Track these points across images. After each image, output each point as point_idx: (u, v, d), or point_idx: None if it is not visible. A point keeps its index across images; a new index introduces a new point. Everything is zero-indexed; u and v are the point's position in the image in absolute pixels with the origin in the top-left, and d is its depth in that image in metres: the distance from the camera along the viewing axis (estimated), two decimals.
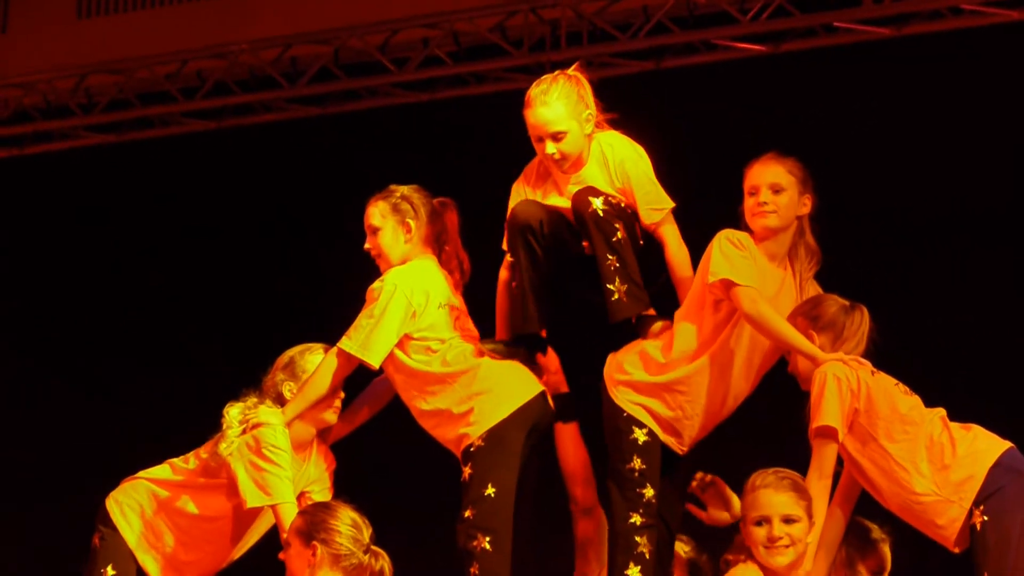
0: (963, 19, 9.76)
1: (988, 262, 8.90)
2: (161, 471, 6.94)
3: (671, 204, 6.93)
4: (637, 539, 6.45)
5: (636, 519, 6.45)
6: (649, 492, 6.46)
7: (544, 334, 6.95)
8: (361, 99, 10.15)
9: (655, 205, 6.92)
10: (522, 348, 6.90)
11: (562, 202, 7.06)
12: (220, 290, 9.29)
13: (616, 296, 6.76)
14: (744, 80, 9.50)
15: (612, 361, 6.68)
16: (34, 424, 9.95)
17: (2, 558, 9.55)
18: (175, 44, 10.51)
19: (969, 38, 9.67)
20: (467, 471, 6.56)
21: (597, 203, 6.80)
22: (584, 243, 6.85)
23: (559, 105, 6.96)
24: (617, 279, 6.77)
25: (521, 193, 7.17)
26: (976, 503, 5.88)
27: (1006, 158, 9.38)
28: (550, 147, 6.96)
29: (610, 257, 6.80)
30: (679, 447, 6.57)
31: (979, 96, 9.46)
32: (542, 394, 6.76)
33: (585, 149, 7.05)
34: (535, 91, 7.01)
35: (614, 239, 6.82)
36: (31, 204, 10.90)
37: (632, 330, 6.76)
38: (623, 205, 6.91)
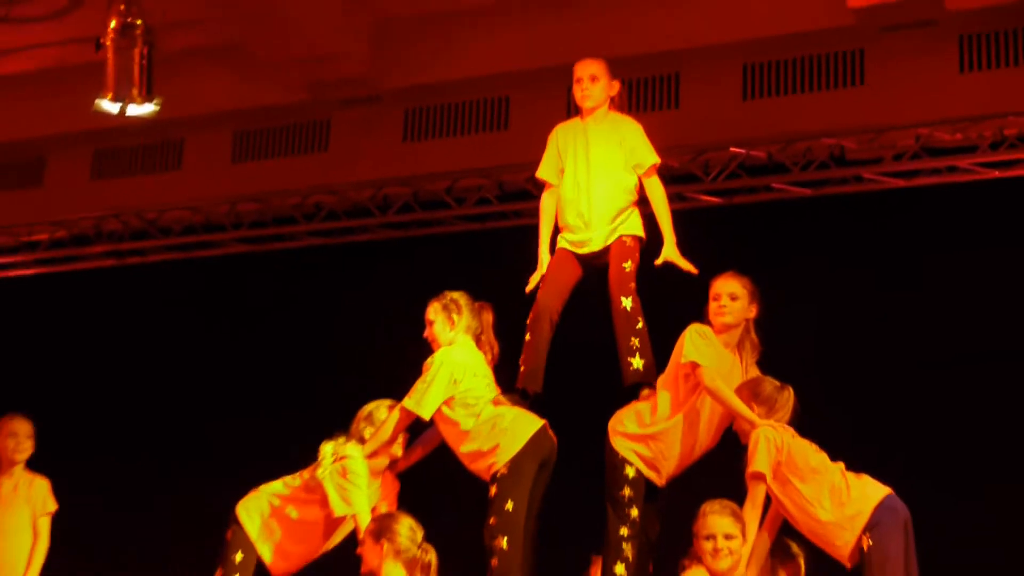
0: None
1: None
2: (276, 486, 7.17)
3: (657, 160, 7.19)
4: (624, 547, 6.68)
5: (624, 531, 6.69)
6: (635, 513, 6.69)
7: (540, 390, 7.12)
8: (433, 227, 9.91)
9: (644, 161, 7.18)
10: (527, 399, 7.05)
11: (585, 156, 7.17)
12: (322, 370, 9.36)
13: (634, 368, 6.94)
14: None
15: (615, 417, 6.85)
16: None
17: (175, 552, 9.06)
18: (305, 182, 10.24)
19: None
20: (493, 490, 6.72)
21: (627, 302, 7.01)
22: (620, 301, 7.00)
23: (599, 66, 7.24)
24: (638, 355, 6.95)
25: (553, 141, 7.37)
26: (864, 531, 6.06)
27: None
28: (585, 85, 7.25)
29: (634, 340, 7.00)
30: (658, 481, 6.77)
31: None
32: (544, 427, 6.85)
33: (604, 105, 7.28)
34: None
35: (638, 327, 7.02)
36: (194, 299, 10.46)
37: (628, 393, 6.93)
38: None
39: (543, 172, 7.34)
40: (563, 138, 7.37)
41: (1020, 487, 8.03)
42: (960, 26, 8.98)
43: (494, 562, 6.64)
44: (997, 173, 8.69)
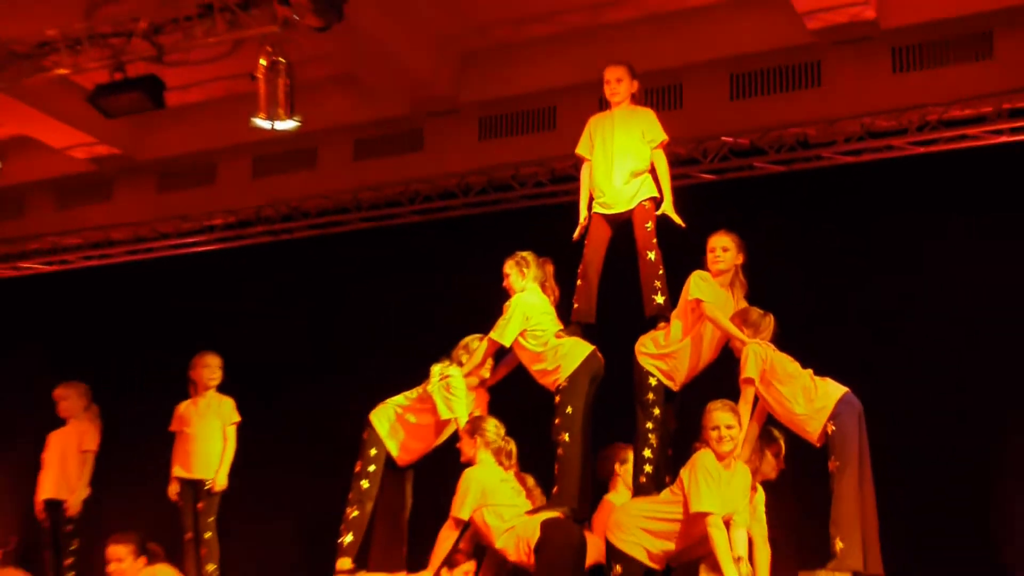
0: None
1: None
2: (399, 399, 7.25)
3: (665, 137, 7.18)
4: (650, 437, 6.70)
5: (650, 425, 6.70)
6: (657, 411, 6.71)
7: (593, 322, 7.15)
8: (503, 204, 9.87)
9: (656, 137, 7.14)
10: (581, 330, 7.08)
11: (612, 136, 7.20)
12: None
13: (656, 303, 6.97)
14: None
15: (640, 340, 6.88)
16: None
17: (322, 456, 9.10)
18: (407, 175, 10.26)
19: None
20: (557, 399, 6.81)
21: (651, 254, 7.01)
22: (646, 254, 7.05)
23: (623, 70, 7.24)
24: (659, 294, 6.98)
25: (588, 127, 7.36)
26: (829, 419, 6.10)
27: None
28: (612, 85, 7.27)
29: (656, 283, 7.00)
30: (674, 387, 6.80)
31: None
32: (594, 351, 6.89)
33: (627, 100, 7.27)
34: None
35: (659, 272, 7.00)
36: (333, 263, 10.46)
37: (651, 323, 6.98)
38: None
39: (580, 149, 7.37)
40: (595, 125, 7.37)
41: (930, 393, 8.06)
42: (891, 40, 8.89)
43: (560, 451, 6.75)
44: (922, 150, 8.61)
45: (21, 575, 7.92)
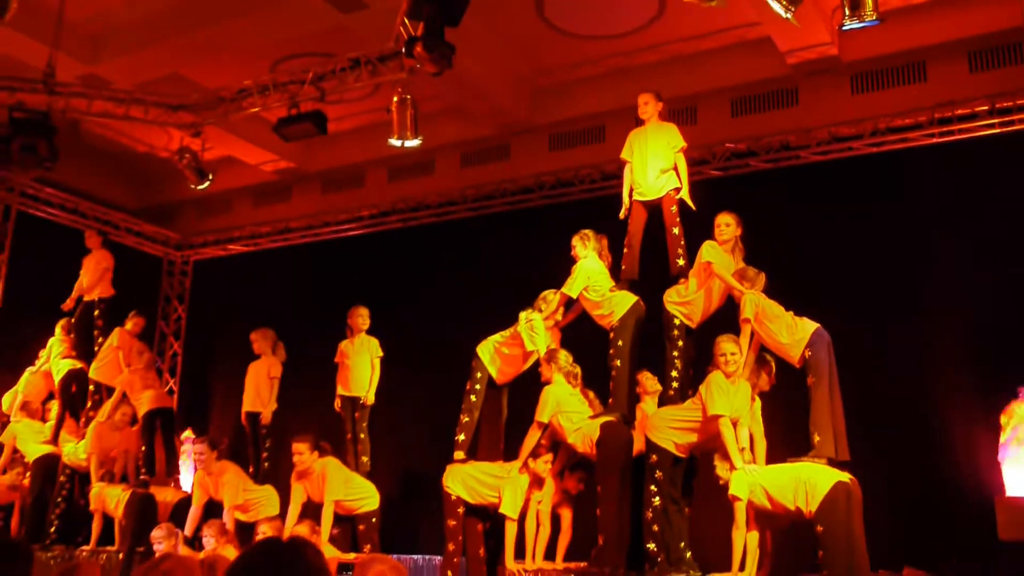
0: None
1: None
2: (496, 336, 7.25)
3: (684, 144, 7.09)
4: (676, 362, 6.69)
5: (675, 353, 6.70)
6: (680, 343, 6.71)
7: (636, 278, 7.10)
8: (567, 197, 9.79)
9: (678, 144, 7.06)
10: (628, 284, 7.04)
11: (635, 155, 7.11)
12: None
13: (679, 264, 6.92)
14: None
15: (667, 292, 6.81)
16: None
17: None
18: (499, 176, 10.26)
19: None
20: (611, 335, 6.80)
21: (676, 230, 6.96)
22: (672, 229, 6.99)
23: (650, 95, 7.23)
24: (681, 258, 6.93)
25: (629, 139, 7.26)
26: (806, 347, 6.07)
27: None
28: (643, 107, 7.25)
29: (679, 250, 6.95)
30: (692, 325, 6.77)
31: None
32: (638, 300, 6.83)
33: (655, 117, 7.22)
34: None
35: (681, 243, 6.96)
36: (439, 249, 10.42)
37: (674, 280, 6.92)
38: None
39: (624, 154, 7.30)
40: (634, 136, 7.30)
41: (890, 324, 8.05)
42: (850, 70, 8.78)
43: (613, 373, 6.75)
44: (875, 150, 8.49)
45: (233, 467, 8.07)
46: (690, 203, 7.05)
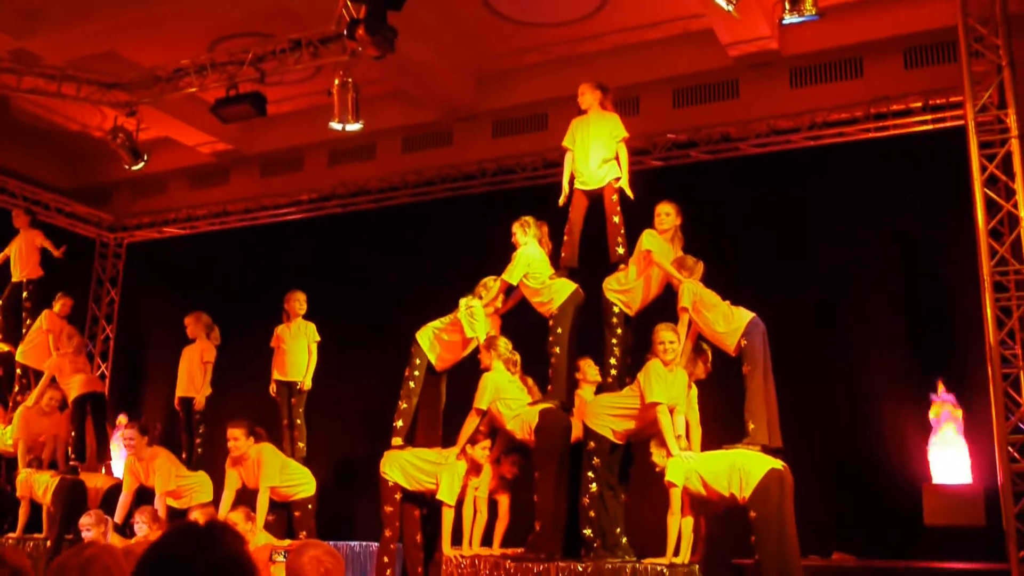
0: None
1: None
2: (435, 323, 7.17)
3: (626, 134, 7.02)
4: (615, 350, 6.70)
5: (614, 341, 6.70)
6: (619, 331, 6.72)
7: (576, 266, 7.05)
8: (508, 184, 9.78)
9: (619, 134, 7.01)
10: (568, 272, 6.98)
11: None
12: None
13: (619, 253, 6.87)
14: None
15: (606, 280, 6.80)
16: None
17: None
18: (441, 162, 10.21)
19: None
20: (551, 322, 6.75)
21: (616, 219, 6.90)
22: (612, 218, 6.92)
23: (588, 86, 7.15)
24: (620, 247, 6.88)
25: (571, 126, 7.14)
26: (742, 336, 6.10)
27: None
28: (583, 97, 7.16)
29: (619, 239, 6.90)
30: (631, 313, 6.78)
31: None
32: (577, 288, 6.80)
33: (596, 106, 7.12)
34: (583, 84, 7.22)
35: (621, 231, 6.90)
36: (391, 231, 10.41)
37: (614, 267, 6.89)
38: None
39: (565, 142, 7.22)
40: (576, 125, 7.22)
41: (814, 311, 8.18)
42: (789, 64, 8.89)
43: (552, 360, 6.75)
44: (813, 143, 8.62)
45: (165, 452, 7.94)
46: (629, 192, 7.02)
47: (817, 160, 8.62)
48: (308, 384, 8.44)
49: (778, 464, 5.70)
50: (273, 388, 8.52)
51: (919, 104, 8.18)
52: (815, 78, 8.85)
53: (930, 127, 8.16)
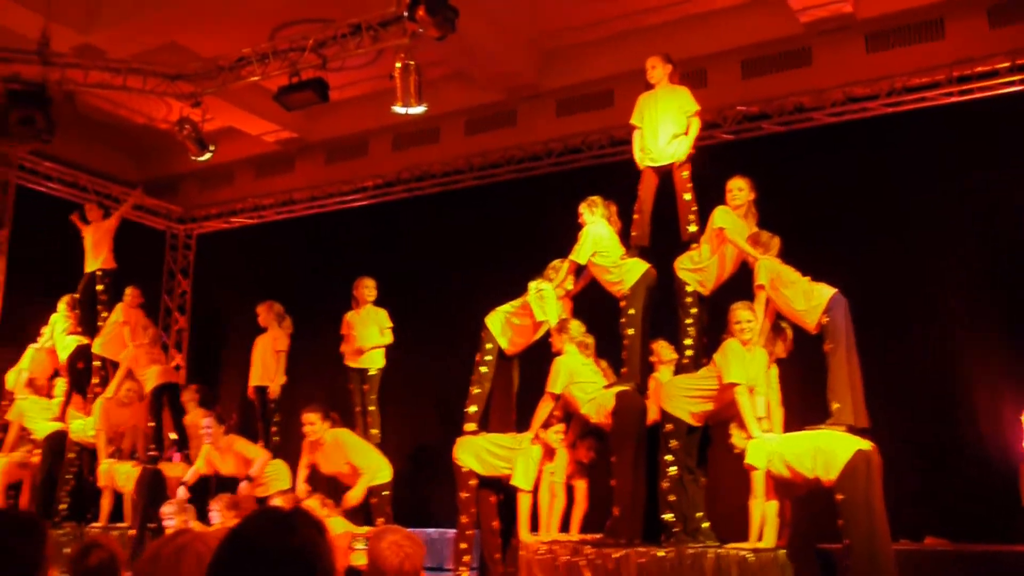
0: None
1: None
2: (506, 307, 7.20)
3: (698, 107, 6.95)
4: (689, 330, 6.61)
5: (689, 321, 6.62)
6: (694, 311, 6.64)
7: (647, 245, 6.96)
8: (575, 163, 9.67)
9: (691, 108, 6.92)
10: (639, 251, 6.92)
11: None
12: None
13: (691, 231, 6.80)
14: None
15: (678, 259, 6.71)
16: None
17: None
18: (508, 142, 10.16)
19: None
20: (623, 303, 6.74)
21: (687, 196, 6.82)
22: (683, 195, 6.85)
23: (657, 58, 7.09)
24: (693, 224, 6.81)
25: (639, 103, 7.10)
26: (823, 313, 5.97)
27: None
28: (651, 71, 7.08)
29: (690, 216, 6.82)
30: (705, 292, 6.69)
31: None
32: (649, 268, 6.76)
33: (665, 81, 7.06)
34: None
35: (693, 208, 6.84)
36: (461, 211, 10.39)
37: (686, 245, 6.81)
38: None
39: (634, 120, 7.14)
40: (644, 101, 7.13)
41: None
42: (865, 28, 8.62)
43: (626, 342, 6.70)
44: (892, 110, 8.36)
45: (241, 440, 8.05)
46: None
47: (897, 127, 8.36)
48: (380, 362, 8.48)
49: (866, 444, 5.55)
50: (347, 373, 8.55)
51: (1006, 64, 7.88)
52: (893, 42, 8.56)
53: (1018, 88, 7.87)
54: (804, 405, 6.42)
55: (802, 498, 5.97)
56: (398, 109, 8.00)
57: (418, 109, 8.03)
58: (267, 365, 8.91)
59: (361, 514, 7.53)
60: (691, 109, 6.98)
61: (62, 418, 9.35)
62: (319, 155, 11.72)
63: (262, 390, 8.92)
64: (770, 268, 6.21)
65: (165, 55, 9.16)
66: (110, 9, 8.91)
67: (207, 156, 9.11)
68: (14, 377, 9.81)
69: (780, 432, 6.03)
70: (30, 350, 9.93)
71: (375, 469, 7.38)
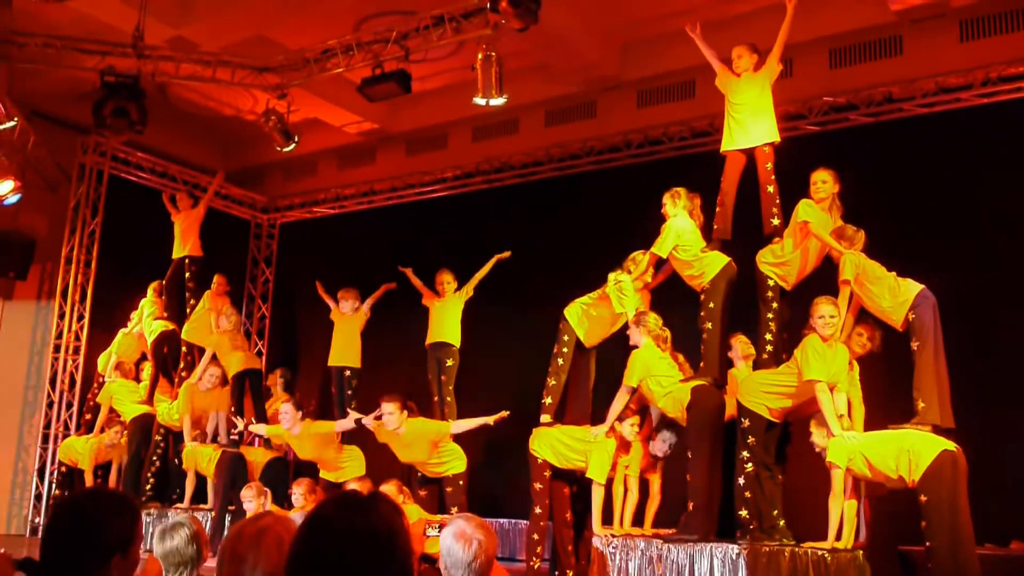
0: None
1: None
2: (584, 299, 7.19)
3: (780, 66, 6.89)
4: (770, 324, 6.53)
5: (769, 315, 6.53)
6: (775, 305, 6.54)
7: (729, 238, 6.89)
8: (656, 155, 9.63)
9: (775, 70, 6.88)
10: (720, 244, 6.84)
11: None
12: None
13: (774, 224, 6.69)
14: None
15: (760, 253, 6.61)
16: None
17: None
18: (588, 134, 10.18)
19: None
20: (702, 297, 6.67)
21: (771, 188, 6.73)
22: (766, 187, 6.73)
23: (744, 47, 7.00)
24: (776, 217, 6.70)
25: (724, 75, 7.05)
26: (910, 310, 5.89)
27: None
28: (737, 61, 7.00)
29: (774, 208, 6.72)
30: (787, 287, 6.60)
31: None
32: (730, 261, 6.68)
33: (750, 70, 6.94)
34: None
35: (776, 201, 6.72)
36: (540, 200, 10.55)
37: (768, 239, 6.70)
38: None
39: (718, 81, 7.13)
40: (728, 79, 7.07)
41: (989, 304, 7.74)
42: (958, 15, 8.40)
43: (704, 336, 6.65)
44: (986, 100, 8.15)
45: (320, 421, 8.22)
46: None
47: (992, 118, 8.13)
48: (456, 342, 8.62)
49: (951, 445, 5.45)
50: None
51: None
52: (988, 30, 8.34)
53: None
54: (886, 403, 6.32)
55: (882, 498, 5.89)
56: (479, 101, 8.07)
57: (499, 101, 8.08)
58: (345, 349, 9.08)
59: (435, 503, 7.66)
60: (776, 69, 6.91)
61: (149, 401, 9.68)
62: (400, 146, 11.87)
63: (340, 373, 9.09)
64: (855, 263, 6.11)
65: (253, 48, 9.40)
66: (202, 4, 9.17)
67: (291, 147, 9.30)
68: (104, 360, 10.22)
69: (860, 430, 5.93)
70: (120, 334, 10.32)
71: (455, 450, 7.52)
